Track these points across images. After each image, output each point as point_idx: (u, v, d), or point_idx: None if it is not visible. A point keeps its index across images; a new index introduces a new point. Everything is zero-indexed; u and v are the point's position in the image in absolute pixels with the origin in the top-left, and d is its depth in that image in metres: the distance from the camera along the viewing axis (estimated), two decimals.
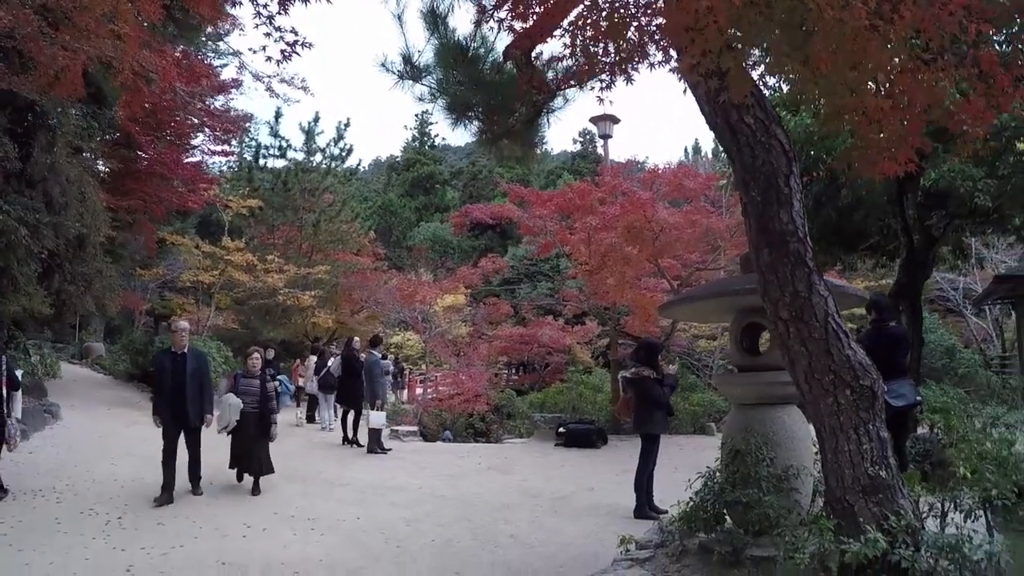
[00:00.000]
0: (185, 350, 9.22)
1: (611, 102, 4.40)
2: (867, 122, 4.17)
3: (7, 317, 11.63)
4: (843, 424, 4.66)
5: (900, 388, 6.88)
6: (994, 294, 16.96)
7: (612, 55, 3.58)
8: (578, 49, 3.61)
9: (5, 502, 8.22)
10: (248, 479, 9.76)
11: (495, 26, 4.36)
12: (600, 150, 58.93)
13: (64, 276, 12.90)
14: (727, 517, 5.74)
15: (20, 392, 9.42)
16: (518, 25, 4.40)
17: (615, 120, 19.07)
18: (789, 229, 4.71)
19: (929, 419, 8.47)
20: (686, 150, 67.64)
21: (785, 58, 3.77)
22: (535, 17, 4.14)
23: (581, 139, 64.02)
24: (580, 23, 3.48)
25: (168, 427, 9.02)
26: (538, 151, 8.20)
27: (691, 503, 5.74)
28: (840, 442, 4.67)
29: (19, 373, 9.64)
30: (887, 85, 4.13)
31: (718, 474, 5.92)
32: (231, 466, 9.77)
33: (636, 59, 3.78)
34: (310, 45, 4.52)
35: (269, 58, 4.41)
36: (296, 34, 4.46)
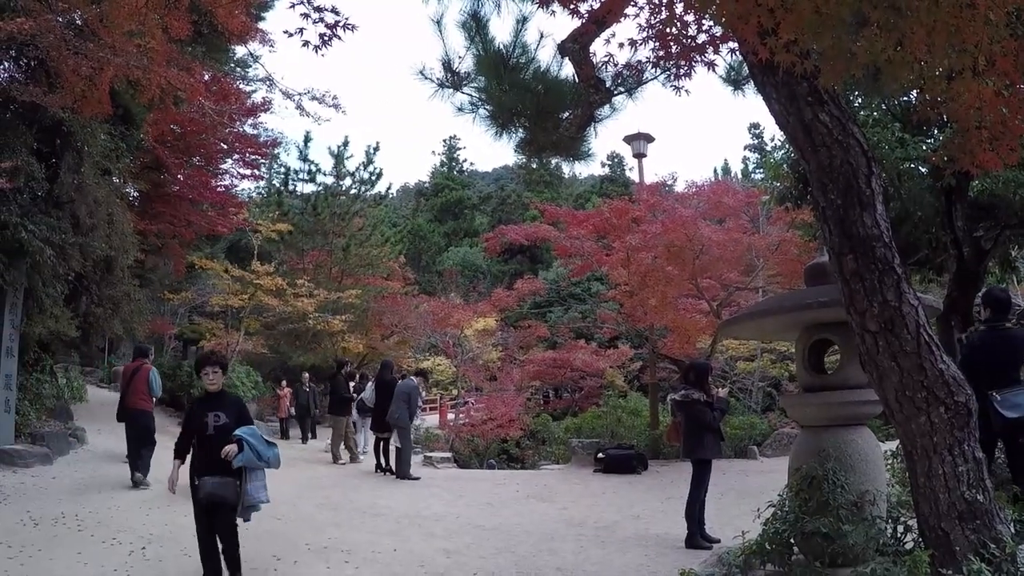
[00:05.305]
0: None
1: (687, 92, 4.04)
2: (966, 110, 3.78)
3: (33, 339, 11.40)
4: (937, 445, 4.27)
5: (1016, 398, 5.90)
6: None
7: (694, 33, 3.22)
8: (654, 30, 3.26)
9: (27, 528, 7.83)
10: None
11: (558, 9, 3.96)
12: (629, 173, 59.15)
13: (91, 298, 12.73)
14: (794, 548, 5.31)
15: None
16: (584, 8, 4.07)
17: (649, 139, 18.57)
18: (874, 233, 4.36)
19: None
20: (715, 171, 67.47)
21: (877, 41, 3.41)
22: None
23: (610, 162, 64.11)
24: None
25: None
26: (584, 163, 7.89)
27: (762, 533, 5.30)
28: (934, 464, 4.29)
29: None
30: (986, 69, 3.76)
31: (787, 502, 5.48)
32: None
33: (717, 43, 3.43)
34: (353, 27, 4.11)
35: (306, 43, 4.03)
36: (337, 14, 4.06)
